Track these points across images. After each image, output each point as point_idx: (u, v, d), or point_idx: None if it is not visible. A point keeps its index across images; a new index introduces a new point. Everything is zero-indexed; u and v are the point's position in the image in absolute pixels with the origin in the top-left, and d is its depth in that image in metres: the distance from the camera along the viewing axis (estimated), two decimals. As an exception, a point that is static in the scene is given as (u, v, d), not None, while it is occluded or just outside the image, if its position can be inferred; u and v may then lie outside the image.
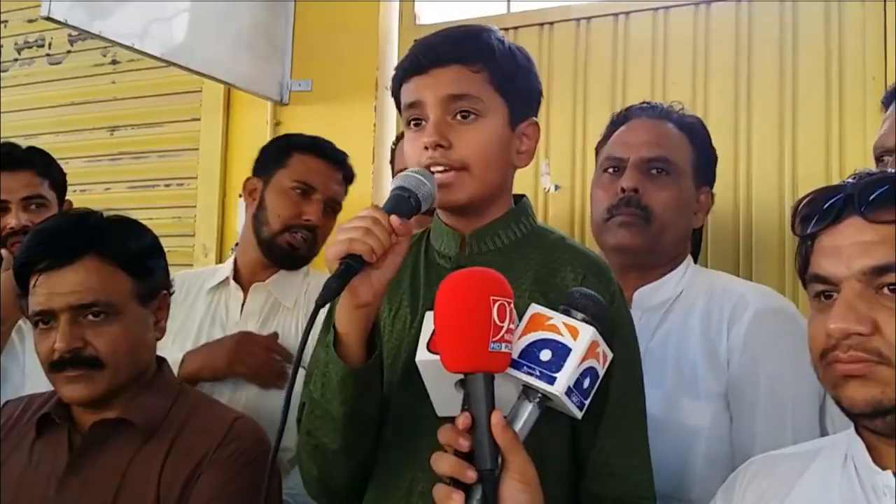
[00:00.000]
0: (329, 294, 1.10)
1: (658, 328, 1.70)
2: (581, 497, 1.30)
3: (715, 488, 1.40)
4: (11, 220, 2.25)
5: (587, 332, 1.07)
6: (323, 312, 1.17)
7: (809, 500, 1.10)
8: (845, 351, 0.99)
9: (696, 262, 2.13)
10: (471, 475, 1.04)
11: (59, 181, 2.41)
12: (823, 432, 1.60)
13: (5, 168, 2.30)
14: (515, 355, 1.08)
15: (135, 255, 1.65)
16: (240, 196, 2.48)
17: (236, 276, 2.22)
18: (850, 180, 1.05)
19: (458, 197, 1.29)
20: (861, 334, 0.98)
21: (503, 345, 1.05)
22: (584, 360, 1.06)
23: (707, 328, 1.65)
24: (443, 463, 1.06)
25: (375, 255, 1.14)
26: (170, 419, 1.61)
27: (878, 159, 1.72)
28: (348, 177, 2.27)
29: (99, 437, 1.60)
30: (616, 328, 1.29)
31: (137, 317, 1.63)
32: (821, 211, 1.05)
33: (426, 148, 1.27)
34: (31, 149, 2.40)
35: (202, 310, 2.19)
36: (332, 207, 2.21)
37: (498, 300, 1.05)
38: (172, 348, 2.10)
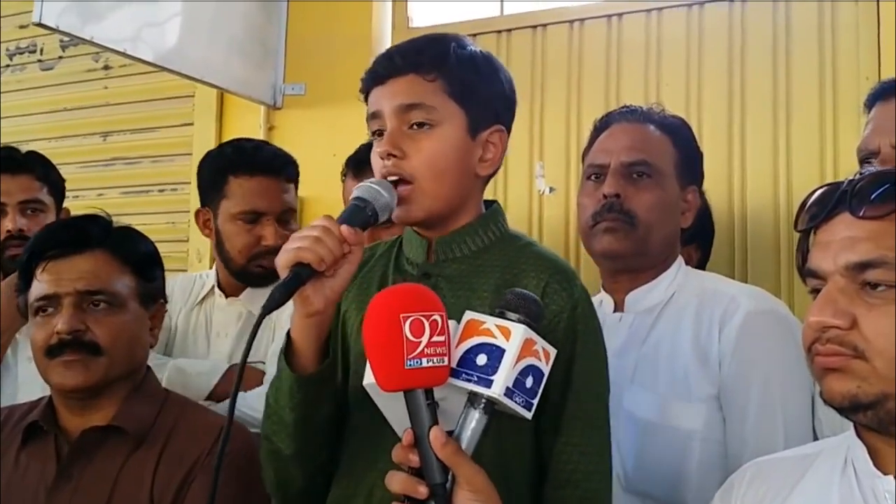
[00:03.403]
0: (273, 303, 1.10)
1: (650, 332, 1.69)
2: (544, 502, 1.29)
3: (710, 491, 1.39)
4: (8, 224, 2.26)
5: (519, 332, 1.07)
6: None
7: (808, 504, 1.10)
8: (823, 344, 0.99)
9: (706, 264, 2.14)
10: (422, 491, 1.05)
11: (58, 187, 2.41)
12: (814, 434, 1.60)
13: (4, 171, 2.30)
14: (455, 364, 1.08)
15: (141, 257, 1.69)
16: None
17: (219, 285, 2.22)
18: (850, 178, 1.05)
19: (413, 214, 1.29)
20: (839, 328, 0.98)
21: (425, 360, 1.05)
22: (519, 359, 1.06)
23: (698, 331, 1.64)
24: (395, 482, 1.08)
25: (325, 264, 1.14)
26: (158, 425, 1.61)
27: (863, 162, 1.72)
28: (291, 176, 2.18)
29: (88, 444, 1.59)
30: (578, 335, 1.28)
31: (138, 315, 1.65)
32: (816, 207, 1.06)
33: (381, 158, 1.28)
34: (31, 153, 2.40)
35: (193, 319, 2.19)
36: (286, 217, 2.14)
37: (410, 316, 1.05)
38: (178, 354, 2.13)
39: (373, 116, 1.32)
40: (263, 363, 2.01)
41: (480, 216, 1.36)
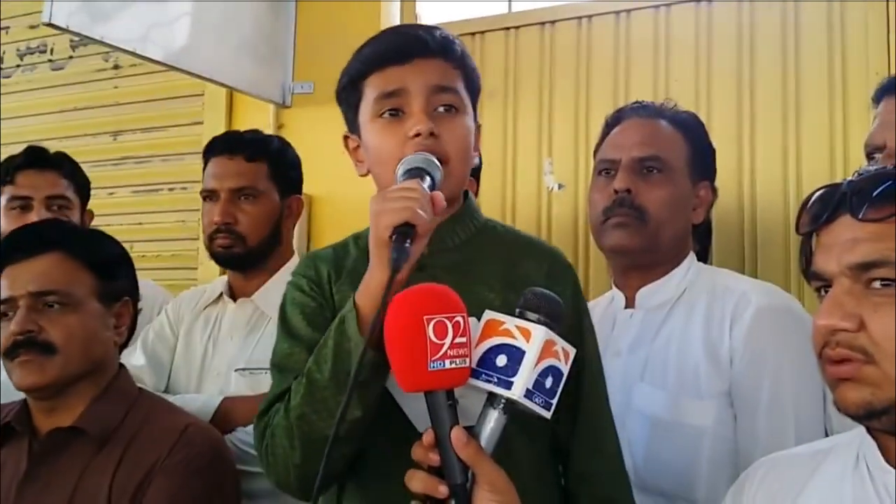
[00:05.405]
0: (405, 257, 1.07)
1: (661, 328, 1.69)
2: (573, 474, 1.33)
3: (721, 488, 1.39)
4: (34, 217, 2.29)
5: (539, 333, 1.06)
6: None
7: (821, 501, 1.09)
8: (833, 348, 0.98)
9: (707, 257, 2.14)
10: (443, 490, 1.04)
11: (83, 187, 2.46)
12: (827, 430, 1.59)
13: (33, 167, 2.37)
14: (474, 364, 1.07)
15: (100, 256, 1.71)
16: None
17: (230, 290, 2.20)
18: (849, 178, 1.05)
19: (444, 195, 1.25)
20: (847, 330, 0.97)
21: (447, 361, 1.04)
22: (540, 360, 1.06)
23: (709, 327, 1.64)
24: (415, 481, 1.07)
25: (426, 228, 1.11)
26: (124, 427, 1.62)
27: (869, 157, 1.72)
28: (252, 155, 2.13)
29: (55, 444, 1.62)
30: (583, 311, 1.33)
31: (96, 313, 1.67)
32: (818, 210, 1.05)
33: (416, 135, 1.25)
34: (59, 153, 2.46)
35: (201, 327, 2.18)
36: (245, 195, 2.10)
37: (434, 318, 1.04)
38: (183, 368, 2.12)
39: (391, 94, 1.28)
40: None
41: (465, 206, 1.37)
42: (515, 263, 1.32)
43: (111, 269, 1.72)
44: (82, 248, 1.69)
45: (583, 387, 1.31)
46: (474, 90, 1.35)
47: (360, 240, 1.39)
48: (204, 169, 2.18)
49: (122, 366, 1.75)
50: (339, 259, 1.36)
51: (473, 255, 1.32)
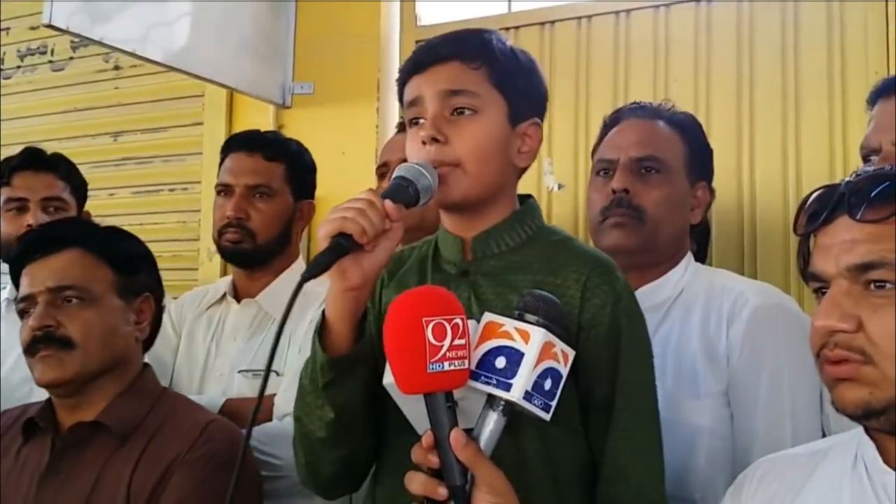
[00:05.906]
0: (316, 269, 1.10)
1: (659, 328, 1.69)
2: (597, 501, 1.27)
3: (718, 487, 1.39)
4: (29, 219, 2.31)
5: (538, 335, 1.07)
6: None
7: (819, 501, 1.09)
8: (831, 349, 0.99)
9: (704, 258, 2.14)
10: (442, 492, 1.06)
11: (80, 188, 2.47)
12: (824, 429, 1.60)
13: (29, 168, 2.38)
14: (473, 366, 1.08)
15: (119, 252, 1.74)
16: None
17: (235, 291, 2.21)
18: (847, 179, 1.06)
19: (451, 194, 1.27)
20: (845, 331, 0.98)
21: (446, 363, 1.05)
22: (539, 362, 1.07)
23: (706, 326, 1.65)
24: (415, 483, 1.08)
25: (367, 237, 1.12)
26: (146, 424, 1.64)
27: (865, 159, 1.72)
28: (271, 155, 2.16)
29: (77, 439, 1.64)
30: (623, 328, 1.27)
31: (115, 308, 1.69)
32: (815, 211, 1.06)
33: (423, 143, 1.27)
34: (56, 154, 2.47)
35: (204, 328, 2.18)
36: (260, 192, 2.13)
37: (433, 320, 1.05)
38: (185, 368, 2.13)
39: (411, 104, 1.31)
40: (277, 373, 2.00)
41: (516, 212, 1.35)
42: (554, 273, 1.29)
43: (131, 265, 1.74)
44: (100, 244, 1.71)
45: (614, 409, 1.26)
46: (510, 83, 1.32)
47: (424, 245, 1.41)
48: (220, 165, 2.20)
49: (146, 364, 1.76)
50: (396, 262, 1.38)
51: (516, 263, 1.32)
